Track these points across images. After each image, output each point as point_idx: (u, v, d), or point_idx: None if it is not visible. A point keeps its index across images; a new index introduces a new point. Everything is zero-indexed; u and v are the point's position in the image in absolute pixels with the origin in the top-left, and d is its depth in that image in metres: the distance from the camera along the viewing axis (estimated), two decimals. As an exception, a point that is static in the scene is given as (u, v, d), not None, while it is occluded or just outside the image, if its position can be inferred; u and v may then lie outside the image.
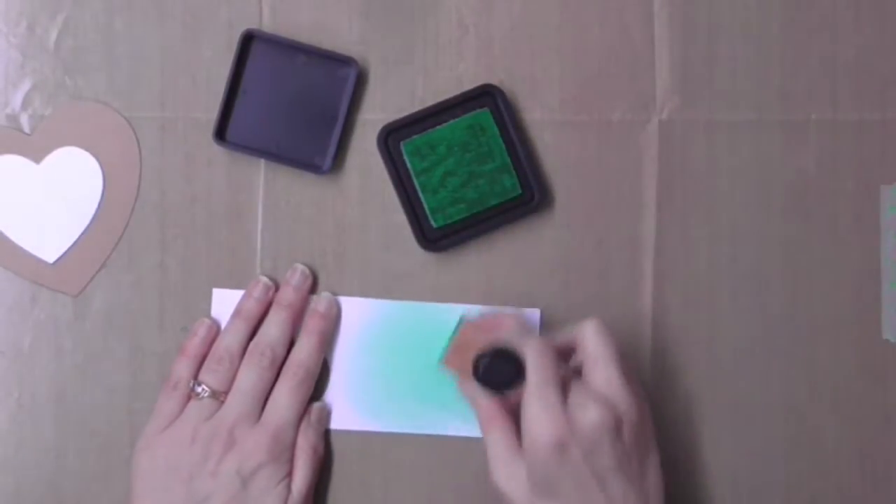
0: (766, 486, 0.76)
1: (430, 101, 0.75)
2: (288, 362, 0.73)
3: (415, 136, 0.74)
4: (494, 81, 0.75)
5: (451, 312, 0.75)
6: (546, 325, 0.75)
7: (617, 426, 0.65)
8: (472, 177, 0.74)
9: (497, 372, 0.67)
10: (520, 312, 0.71)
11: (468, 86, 0.75)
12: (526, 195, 0.75)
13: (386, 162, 0.74)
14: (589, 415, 0.64)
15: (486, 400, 0.68)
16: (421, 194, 0.74)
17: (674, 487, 0.74)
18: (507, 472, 0.66)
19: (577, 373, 0.68)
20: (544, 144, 0.76)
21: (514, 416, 0.67)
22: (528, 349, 0.66)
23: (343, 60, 0.75)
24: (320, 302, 0.75)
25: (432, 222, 0.74)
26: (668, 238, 0.76)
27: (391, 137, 0.74)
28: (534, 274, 0.76)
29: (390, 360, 0.75)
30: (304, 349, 0.73)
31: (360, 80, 0.75)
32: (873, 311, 0.76)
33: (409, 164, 0.74)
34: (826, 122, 0.76)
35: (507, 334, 0.68)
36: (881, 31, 0.77)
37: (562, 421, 0.64)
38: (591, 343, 0.67)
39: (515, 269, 0.76)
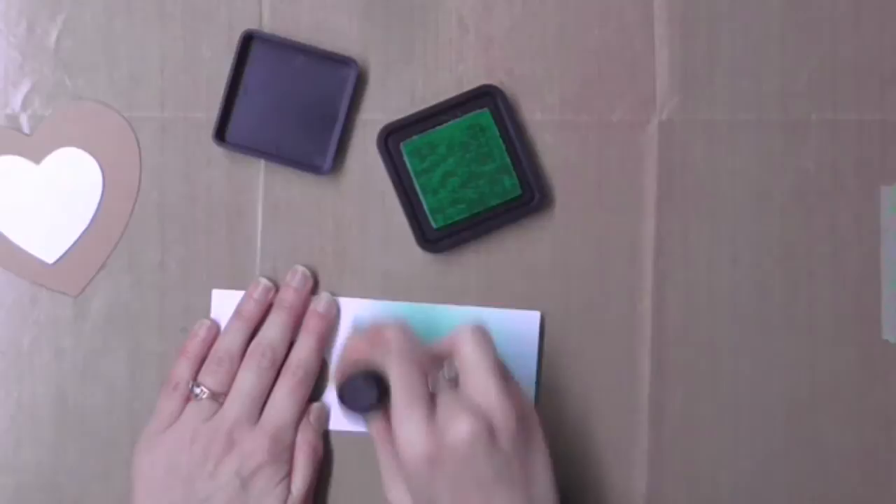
0: (766, 486, 0.76)
1: (430, 102, 0.75)
2: (287, 363, 0.73)
3: (415, 137, 0.74)
4: (494, 81, 0.75)
5: (451, 313, 0.75)
6: (547, 327, 0.75)
7: (490, 435, 0.62)
8: (472, 177, 0.74)
9: (359, 395, 0.65)
10: (398, 322, 0.67)
11: (468, 86, 0.75)
12: (526, 195, 0.75)
13: (386, 162, 0.74)
14: (459, 426, 0.62)
15: (367, 421, 0.67)
16: (421, 195, 0.74)
17: (674, 487, 0.74)
18: (396, 489, 0.66)
19: (455, 381, 0.66)
20: (544, 144, 0.76)
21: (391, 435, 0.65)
22: (392, 368, 0.64)
23: (343, 60, 0.75)
24: (319, 302, 0.74)
25: (432, 223, 0.74)
26: (668, 238, 0.76)
27: (391, 138, 0.74)
28: (534, 274, 0.76)
29: (390, 360, 0.75)
30: (304, 349, 0.73)
31: (360, 80, 0.75)
32: (873, 311, 0.76)
33: (408, 165, 0.74)
34: (826, 122, 0.76)
35: (374, 353, 0.66)
36: (881, 31, 0.76)
37: (430, 436, 0.62)
38: (466, 350, 0.65)
39: (515, 269, 0.76)
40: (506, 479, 0.63)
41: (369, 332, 0.67)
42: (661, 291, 0.76)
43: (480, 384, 0.64)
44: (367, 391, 0.65)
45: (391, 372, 0.64)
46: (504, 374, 0.65)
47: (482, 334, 0.65)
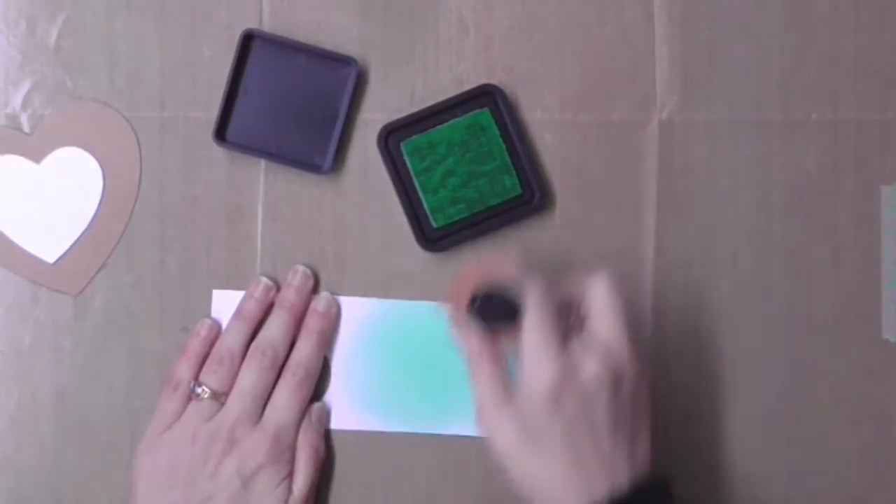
0: (766, 486, 0.76)
1: (430, 101, 0.75)
2: (288, 363, 0.73)
3: (415, 136, 0.74)
4: (494, 81, 0.75)
5: (452, 312, 0.75)
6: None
7: (617, 381, 0.63)
8: (472, 177, 0.74)
9: (492, 308, 0.65)
10: (520, 259, 0.69)
11: (468, 86, 0.75)
12: (526, 195, 0.75)
13: (386, 162, 0.74)
14: (590, 366, 0.63)
15: (476, 338, 0.66)
16: (421, 194, 0.74)
17: (675, 487, 0.73)
18: (495, 418, 0.64)
19: (579, 327, 0.66)
20: (544, 144, 0.76)
21: (504, 362, 0.65)
22: (529, 290, 0.64)
23: (343, 60, 0.75)
24: (319, 302, 0.74)
25: (432, 222, 0.74)
26: (668, 238, 0.76)
27: (391, 137, 0.74)
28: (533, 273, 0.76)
29: (391, 359, 0.75)
30: (304, 349, 0.73)
31: (360, 80, 0.75)
32: (873, 311, 0.76)
33: (409, 164, 0.74)
34: (826, 122, 0.76)
35: (508, 275, 0.66)
36: (881, 31, 0.77)
37: (561, 366, 0.63)
38: (600, 297, 0.65)
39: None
40: (618, 428, 0.64)
41: (487, 263, 0.68)
42: (661, 291, 0.76)
43: (614, 332, 0.64)
44: (504, 307, 0.65)
45: (529, 293, 0.64)
46: (632, 331, 0.65)
47: (615, 282, 0.66)
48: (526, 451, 0.64)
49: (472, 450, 0.74)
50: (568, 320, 0.66)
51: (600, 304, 0.65)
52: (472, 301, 0.66)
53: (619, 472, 0.63)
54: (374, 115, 0.75)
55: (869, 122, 0.76)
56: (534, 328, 0.64)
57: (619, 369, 0.64)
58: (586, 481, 0.63)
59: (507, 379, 0.65)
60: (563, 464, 0.63)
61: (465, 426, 0.74)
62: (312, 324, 0.74)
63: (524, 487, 0.65)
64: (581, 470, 0.63)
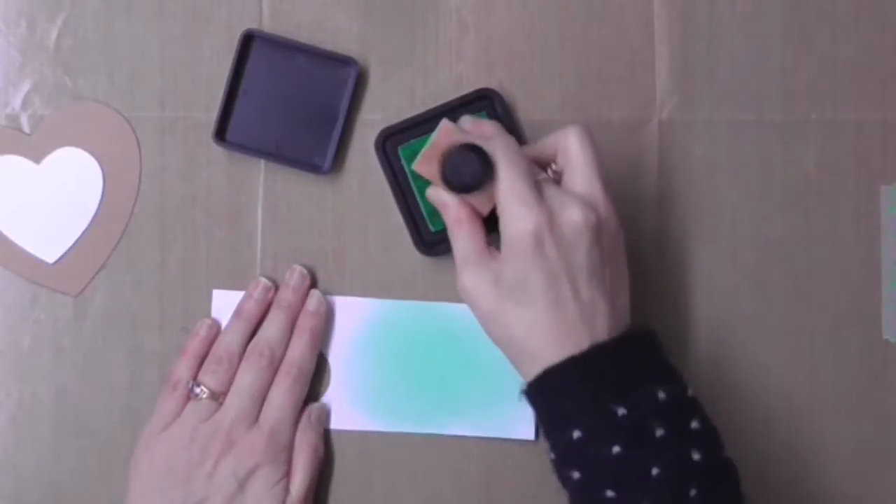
0: (766, 486, 0.75)
1: (430, 102, 0.75)
2: (283, 362, 0.73)
3: (412, 140, 0.74)
4: (494, 82, 0.75)
5: (453, 311, 0.75)
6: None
7: (596, 230, 0.63)
8: (469, 181, 0.74)
9: (464, 170, 0.64)
10: (496, 122, 0.68)
11: (468, 86, 0.75)
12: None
13: (384, 166, 0.74)
14: (570, 210, 0.63)
15: (452, 200, 0.65)
16: (418, 198, 0.74)
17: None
18: (476, 275, 0.64)
19: (556, 182, 0.66)
20: (544, 144, 0.76)
21: (484, 221, 0.65)
22: (498, 146, 0.64)
23: (343, 60, 0.75)
24: (309, 300, 0.74)
25: (430, 226, 0.74)
26: (668, 238, 0.76)
27: (389, 141, 0.74)
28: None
29: (390, 359, 0.75)
30: (297, 348, 0.73)
31: (360, 80, 0.75)
32: (873, 311, 0.76)
33: (406, 168, 0.74)
34: (826, 122, 0.76)
35: (478, 134, 0.65)
36: (881, 31, 0.77)
37: (540, 213, 0.62)
38: (574, 148, 0.65)
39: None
40: (598, 278, 0.63)
41: (465, 124, 0.67)
42: (660, 292, 0.76)
43: (588, 182, 0.64)
44: (474, 164, 0.63)
45: (498, 149, 0.64)
46: (605, 177, 0.65)
47: (588, 135, 0.65)
48: (507, 307, 0.63)
49: (472, 450, 0.74)
50: (543, 172, 0.66)
51: (574, 156, 0.65)
52: (443, 165, 0.65)
53: (600, 323, 0.63)
54: (374, 115, 0.75)
55: (869, 122, 0.76)
56: (509, 179, 0.63)
57: (598, 219, 0.63)
58: (567, 331, 0.63)
59: (485, 238, 0.65)
60: (545, 314, 0.63)
61: (464, 426, 0.74)
62: (304, 323, 0.74)
63: (505, 347, 0.65)
64: (562, 320, 0.63)
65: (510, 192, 0.63)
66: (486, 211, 0.65)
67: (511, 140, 0.65)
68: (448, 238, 0.73)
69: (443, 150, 0.65)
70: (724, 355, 0.76)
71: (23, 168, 0.75)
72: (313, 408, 0.74)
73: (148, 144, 0.76)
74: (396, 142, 0.74)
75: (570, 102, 0.76)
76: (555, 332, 0.63)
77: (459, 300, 0.75)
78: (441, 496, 0.75)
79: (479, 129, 0.67)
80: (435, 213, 0.74)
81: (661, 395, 0.62)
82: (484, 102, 0.75)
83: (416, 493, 0.75)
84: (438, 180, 0.66)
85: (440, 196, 0.66)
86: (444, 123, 0.66)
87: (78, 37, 0.76)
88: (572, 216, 0.63)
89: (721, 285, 0.76)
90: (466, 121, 0.68)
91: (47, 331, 0.75)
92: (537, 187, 0.63)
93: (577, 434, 0.62)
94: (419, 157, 0.66)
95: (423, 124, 0.74)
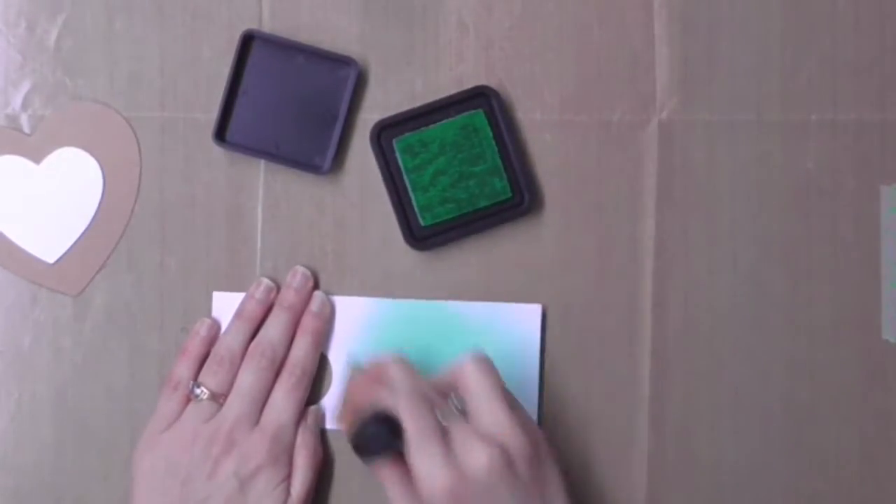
0: (766, 486, 0.76)
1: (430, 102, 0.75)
2: (285, 363, 0.73)
3: (407, 134, 0.74)
4: (494, 81, 0.75)
5: (452, 310, 0.75)
6: (546, 326, 0.75)
7: (509, 463, 0.62)
8: (462, 177, 0.74)
9: (373, 441, 0.64)
10: (398, 358, 0.67)
11: (468, 86, 0.75)
12: (515, 198, 0.75)
13: (378, 158, 0.74)
14: (477, 456, 0.62)
15: (371, 464, 0.65)
16: (411, 192, 0.74)
17: (674, 487, 0.74)
18: None
19: (464, 412, 0.65)
20: (544, 144, 0.76)
21: (407, 472, 0.64)
22: (402, 407, 0.63)
23: (343, 60, 0.75)
24: (313, 301, 0.74)
25: (420, 220, 0.74)
26: (668, 238, 0.76)
27: (384, 134, 0.74)
28: (534, 274, 0.76)
29: (390, 359, 0.75)
30: (300, 349, 0.73)
31: (360, 80, 0.75)
32: (873, 311, 0.76)
33: (400, 161, 0.74)
34: (826, 122, 0.76)
35: (379, 392, 0.65)
36: (881, 31, 0.76)
37: (449, 469, 0.62)
38: (471, 380, 0.64)
39: (516, 269, 0.75)
40: None
41: (369, 371, 0.67)
42: (661, 291, 0.76)
43: (491, 414, 0.64)
44: (381, 435, 0.64)
45: (402, 411, 0.63)
46: (511, 401, 0.65)
47: (485, 363, 0.65)
48: None
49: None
50: (449, 408, 0.65)
51: (472, 389, 0.64)
52: (354, 441, 0.65)
53: None
54: (374, 115, 0.75)
55: (869, 122, 0.76)
56: (415, 440, 0.62)
57: (508, 450, 0.63)
58: None
59: (413, 488, 0.63)
60: None
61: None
62: (307, 324, 0.74)
63: None
64: None
65: (419, 453, 0.62)
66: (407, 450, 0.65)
67: (412, 386, 0.64)
68: (439, 233, 0.73)
69: (357, 401, 0.66)
70: (723, 355, 0.76)
71: (23, 168, 0.75)
72: (310, 410, 0.74)
73: (148, 144, 0.76)
74: (392, 135, 0.74)
75: (570, 102, 0.76)
76: None
77: (459, 299, 0.75)
78: (441, 496, 0.75)
79: (383, 374, 0.66)
80: (427, 208, 0.74)
81: None
82: (481, 100, 0.75)
83: (416, 493, 0.75)
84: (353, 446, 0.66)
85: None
86: (353, 373, 0.69)
87: (78, 37, 0.76)
88: (480, 462, 0.62)
89: (721, 285, 0.76)
90: (369, 366, 0.67)
91: (47, 331, 0.75)
92: (444, 435, 0.63)
93: None
94: (340, 410, 0.68)
95: (419, 118, 0.74)
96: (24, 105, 0.76)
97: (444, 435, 0.63)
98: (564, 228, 0.76)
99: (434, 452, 0.62)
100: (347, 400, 0.68)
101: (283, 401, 0.72)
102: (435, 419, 0.63)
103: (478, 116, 0.74)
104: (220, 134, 0.74)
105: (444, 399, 0.65)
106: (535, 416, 0.74)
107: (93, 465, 0.75)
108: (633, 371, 0.75)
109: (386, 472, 0.65)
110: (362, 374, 0.68)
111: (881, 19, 0.76)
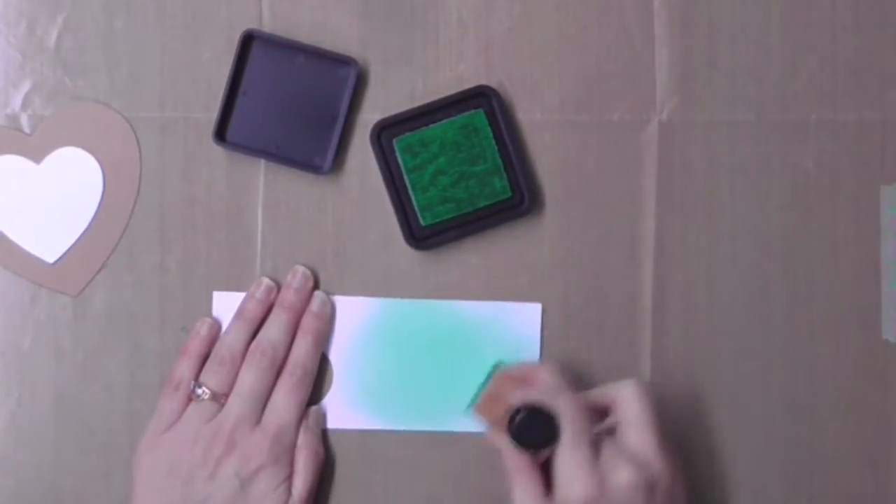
0: (766, 486, 0.76)
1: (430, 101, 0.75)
2: (286, 363, 0.73)
3: (408, 134, 0.74)
4: (494, 81, 0.75)
5: (452, 310, 0.75)
6: (546, 325, 0.75)
7: (650, 487, 0.64)
8: (462, 177, 0.74)
9: (531, 430, 0.66)
10: (552, 365, 0.70)
11: (468, 86, 0.75)
12: (515, 198, 0.75)
13: (378, 158, 0.74)
14: (622, 474, 0.64)
15: (514, 451, 0.67)
16: (411, 191, 0.74)
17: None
18: None
19: (611, 432, 0.67)
20: (544, 145, 0.76)
21: (542, 466, 0.66)
22: (563, 405, 0.66)
23: (343, 60, 0.75)
24: (313, 301, 0.74)
25: (420, 220, 0.74)
26: (668, 238, 0.76)
27: (384, 134, 0.74)
28: (534, 274, 0.76)
29: (391, 358, 0.75)
30: (301, 349, 0.73)
31: (360, 80, 0.75)
32: (873, 311, 0.76)
33: (400, 161, 0.74)
34: (826, 122, 0.76)
35: (541, 390, 0.67)
36: (881, 31, 0.77)
37: (594, 479, 0.64)
38: (630, 406, 0.67)
39: (516, 268, 0.76)
40: None
41: (516, 371, 0.70)
42: (661, 291, 0.76)
43: (643, 439, 0.66)
44: (544, 430, 0.65)
45: (563, 412, 0.65)
46: (665, 434, 0.66)
47: (647, 392, 0.67)
48: None
49: (472, 448, 0.74)
50: (600, 425, 0.67)
51: (630, 413, 0.67)
52: (510, 422, 0.66)
53: None
54: (374, 115, 0.75)
55: (869, 122, 0.76)
56: (569, 441, 0.65)
57: (652, 477, 0.65)
58: None
59: (542, 486, 0.66)
60: None
61: (465, 424, 0.74)
62: (307, 324, 0.74)
63: None
64: None
65: (569, 455, 0.65)
66: (542, 459, 0.66)
67: (574, 398, 0.67)
68: (439, 233, 0.73)
69: (502, 398, 0.67)
70: (723, 355, 0.76)
71: (23, 168, 0.75)
72: (311, 411, 0.74)
73: (148, 144, 0.76)
74: (392, 134, 0.74)
75: (570, 102, 0.76)
76: None
77: (459, 298, 0.75)
78: (441, 495, 0.75)
79: (534, 376, 0.69)
80: (427, 207, 0.74)
81: None
82: (481, 99, 0.75)
83: (416, 493, 0.75)
84: (499, 428, 0.67)
85: (501, 443, 0.67)
86: (501, 371, 0.70)
87: (78, 37, 0.76)
88: (624, 479, 0.64)
89: (721, 285, 0.76)
90: (519, 368, 0.70)
91: (47, 331, 0.75)
92: (595, 446, 0.65)
93: None
94: (478, 400, 0.69)
95: (419, 118, 0.74)
96: (24, 105, 0.75)
97: (595, 446, 0.65)
98: (564, 228, 0.76)
99: (584, 458, 0.64)
100: (492, 393, 0.69)
101: (284, 401, 0.72)
102: (591, 429, 0.65)
103: (478, 116, 0.74)
104: (220, 134, 0.74)
105: (597, 414, 0.67)
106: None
107: (93, 465, 0.75)
108: (633, 371, 0.75)
109: (523, 469, 0.66)
110: (508, 373, 0.70)
111: (881, 19, 0.76)
